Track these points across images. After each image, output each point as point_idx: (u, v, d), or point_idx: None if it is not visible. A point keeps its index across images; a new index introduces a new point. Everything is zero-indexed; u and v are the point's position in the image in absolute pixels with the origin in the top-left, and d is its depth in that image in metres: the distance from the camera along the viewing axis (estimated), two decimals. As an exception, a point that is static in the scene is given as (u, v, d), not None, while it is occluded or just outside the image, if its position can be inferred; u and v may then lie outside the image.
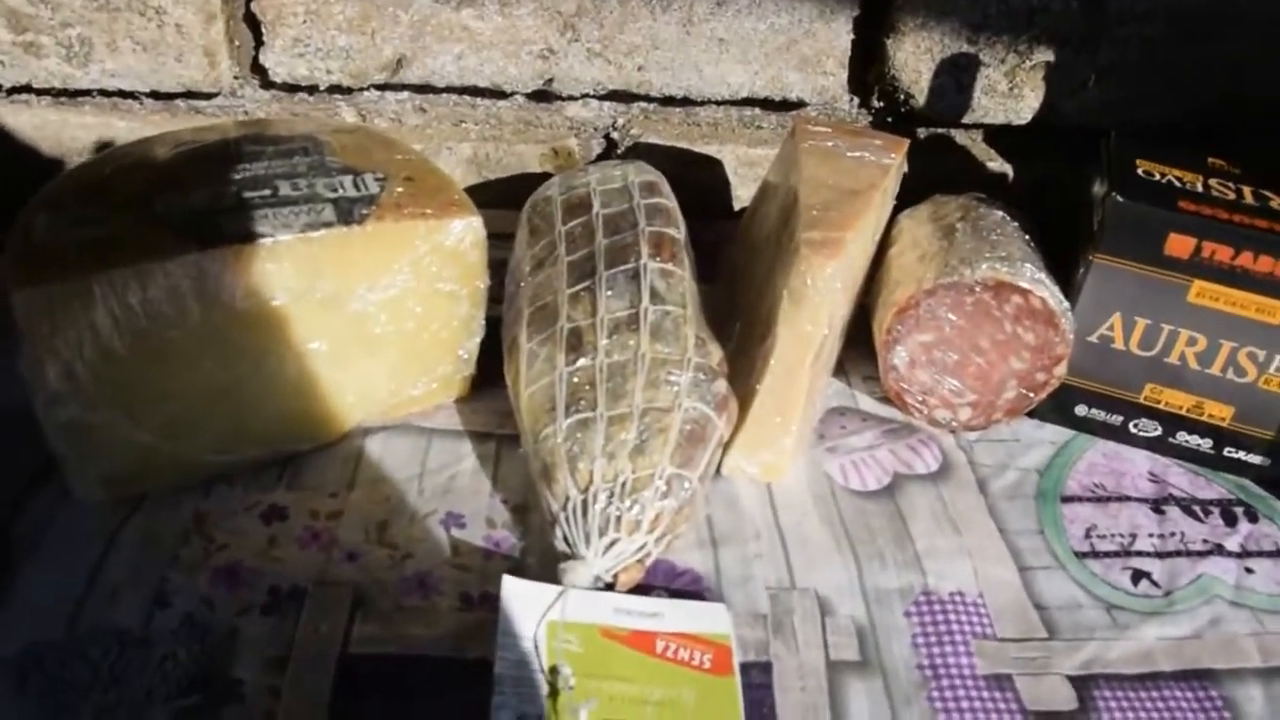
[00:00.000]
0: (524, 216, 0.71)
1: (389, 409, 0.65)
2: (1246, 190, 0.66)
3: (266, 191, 0.59)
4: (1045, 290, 0.64)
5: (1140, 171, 0.67)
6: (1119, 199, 0.64)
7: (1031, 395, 0.68)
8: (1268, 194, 0.66)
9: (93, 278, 0.53)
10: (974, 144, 0.91)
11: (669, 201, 0.69)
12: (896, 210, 0.77)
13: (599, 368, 0.59)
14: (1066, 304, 0.65)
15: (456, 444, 0.65)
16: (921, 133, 0.90)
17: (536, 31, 0.80)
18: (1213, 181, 0.67)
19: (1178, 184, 0.66)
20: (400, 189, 0.61)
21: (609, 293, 0.62)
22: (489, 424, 0.66)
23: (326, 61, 0.80)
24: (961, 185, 0.84)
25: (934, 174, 0.87)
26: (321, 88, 0.82)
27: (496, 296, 0.68)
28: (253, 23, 0.79)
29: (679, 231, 0.67)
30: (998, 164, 0.90)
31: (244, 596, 0.54)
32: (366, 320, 0.60)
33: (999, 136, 0.90)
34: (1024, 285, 0.64)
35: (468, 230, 0.61)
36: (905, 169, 0.81)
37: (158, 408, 0.57)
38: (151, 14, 0.77)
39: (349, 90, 0.83)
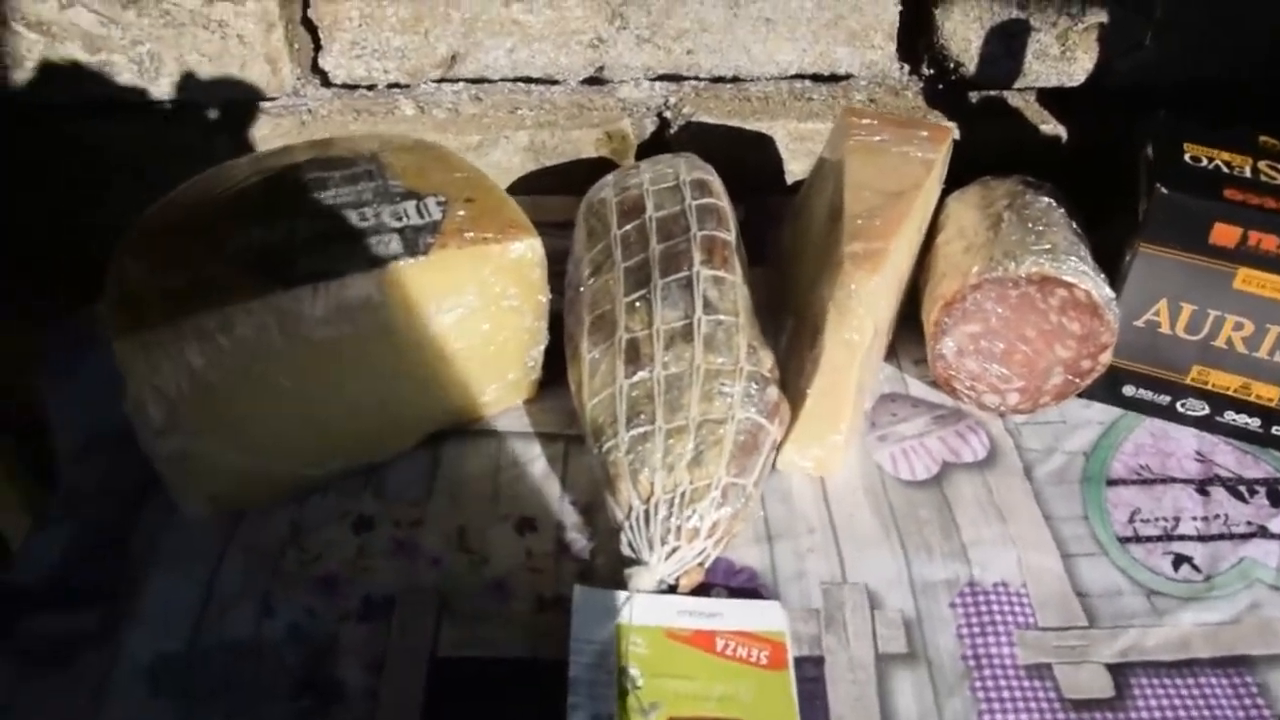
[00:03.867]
0: (580, 218, 0.74)
1: (462, 415, 0.69)
2: (1297, 173, 0.66)
3: (336, 224, 0.62)
4: (1089, 282, 0.66)
5: (1188, 157, 0.67)
6: (1163, 190, 0.65)
7: (1077, 381, 0.69)
8: (1319, 176, 0.66)
9: (183, 322, 0.57)
10: (1027, 105, 0.90)
11: (720, 200, 0.71)
12: (949, 184, 0.78)
13: (657, 380, 0.62)
14: (1111, 294, 0.67)
15: (526, 446, 0.69)
16: (973, 96, 0.90)
17: (585, 21, 0.81)
18: (1262, 165, 0.67)
19: (1225, 169, 0.66)
20: (462, 212, 0.64)
21: (664, 302, 0.65)
22: (557, 424, 0.70)
23: (383, 61, 0.82)
24: (1015, 148, 0.85)
25: (987, 138, 0.88)
26: (380, 85, 0.85)
27: (559, 288, 0.71)
28: (311, 27, 0.81)
29: (730, 233, 0.69)
30: (1051, 126, 0.89)
31: (341, 605, 0.60)
32: (437, 339, 0.64)
33: (1053, 97, 0.90)
34: (1068, 279, 0.65)
35: (528, 250, 0.64)
36: (956, 141, 0.82)
37: (251, 431, 0.62)
38: (215, 27, 0.79)
39: (406, 86, 0.85)
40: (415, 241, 0.62)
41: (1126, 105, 0.86)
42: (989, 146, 0.87)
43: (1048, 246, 0.67)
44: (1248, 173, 0.66)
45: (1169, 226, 0.66)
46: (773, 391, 0.63)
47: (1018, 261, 0.66)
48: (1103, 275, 0.68)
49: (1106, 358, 0.68)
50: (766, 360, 0.64)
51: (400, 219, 0.63)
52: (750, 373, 0.62)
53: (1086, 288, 0.66)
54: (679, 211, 0.69)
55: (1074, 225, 0.71)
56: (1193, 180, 0.66)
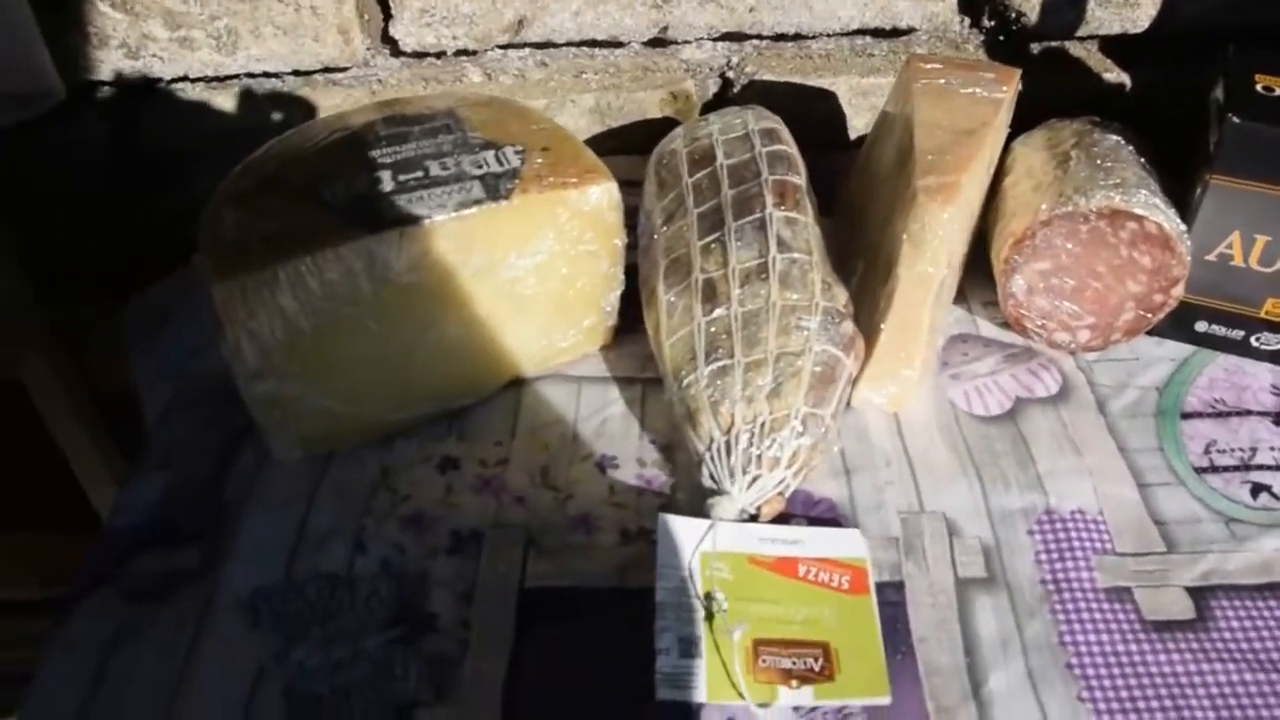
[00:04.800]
0: (651, 169, 0.75)
1: (541, 361, 0.71)
2: (1370, 99, 0.66)
3: (419, 173, 0.64)
4: (1160, 215, 0.66)
5: (1259, 87, 0.67)
6: (1235, 120, 0.65)
7: (1149, 316, 0.70)
8: (1392, 102, 0.66)
9: (278, 267, 0.59)
10: (1090, 55, 0.90)
11: (789, 148, 0.72)
12: (1012, 135, 0.78)
13: (734, 317, 0.63)
14: (1183, 227, 0.67)
15: (604, 390, 0.71)
16: (1035, 48, 0.90)
17: (649, -18, 0.83)
18: (1335, 93, 0.67)
19: (1298, 98, 0.66)
20: (540, 160, 0.66)
21: (738, 243, 0.66)
22: (633, 369, 0.72)
23: (452, 28, 0.84)
24: (1078, 98, 0.85)
25: (1049, 89, 0.87)
26: (449, 53, 0.87)
27: (632, 241, 0.73)
28: (381, -3, 0.84)
29: (800, 177, 0.70)
30: (1114, 75, 0.89)
31: (430, 541, 0.61)
32: (518, 283, 0.66)
33: (1115, 45, 0.90)
34: (1139, 212, 0.66)
35: (605, 195, 0.65)
36: (1020, 88, 0.82)
37: (340, 376, 0.64)
38: (289, 0, 0.82)
39: (474, 52, 0.87)
40: (496, 187, 0.64)
41: (1191, 51, 0.86)
42: (1052, 98, 0.87)
43: (1117, 181, 0.67)
44: (1320, 101, 0.66)
45: (1241, 157, 0.66)
46: (848, 326, 0.64)
47: (1088, 196, 0.67)
48: (1173, 209, 0.68)
49: (1178, 291, 0.68)
50: (841, 296, 0.65)
51: (480, 167, 0.65)
52: (826, 308, 0.63)
53: (1158, 220, 0.66)
54: (749, 158, 0.71)
55: (1143, 161, 0.71)
56: (1265, 109, 0.66)
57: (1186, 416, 0.69)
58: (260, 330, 0.60)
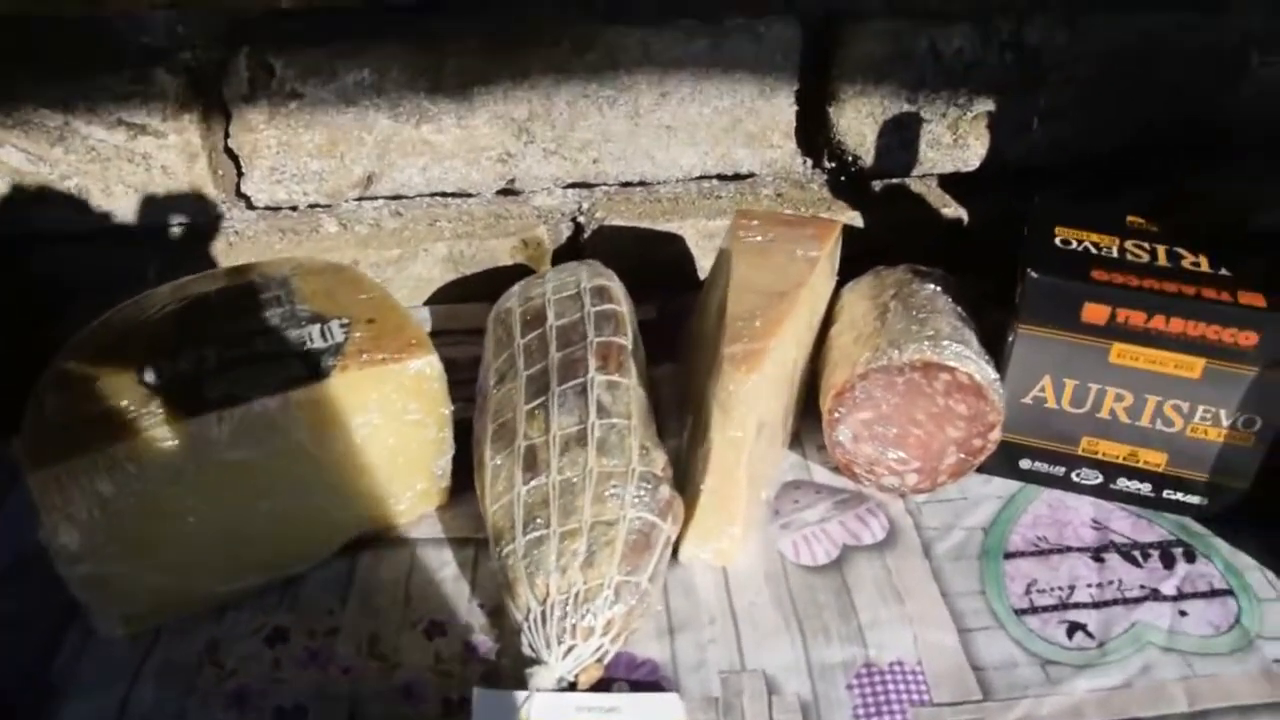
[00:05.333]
0: (490, 326, 0.77)
1: (376, 524, 0.71)
2: (1161, 250, 0.70)
3: (244, 350, 0.65)
4: (972, 365, 0.69)
5: (1058, 241, 0.71)
6: (1034, 275, 0.68)
7: (971, 459, 0.72)
8: (1181, 252, 0.69)
9: (95, 455, 0.60)
10: (929, 190, 0.94)
11: (620, 306, 0.74)
12: (861, 266, 0.81)
13: (552, 485, 0.64)
14: (994, 375, 0.69)
15: (438, 552, 0.71)
16: (877, 185, 0.94)
17: (493, 138, 0.85)
18: (1129, 244, 0.70)
19: (1094, 250, 0.70)
20: (361, 334, 0.67)
21: (560, 409, 0.67)
22: (467, 529, 0.72)
23: (302, 185, 0.86)
24: (920, 231, 0.89)
25: (893, 223, 0.92)
26: (302, 206, 0.88)
27: (470, 396, 0.74)
28: (234, 154, 0.85)
29: (626, 338, 0.72)
30: (953, 209, 0.93)
31: (253, 718, 0.61)
32: (345, 455, 0.67)
33: (952, 181, 0.94)
34: (950, 363, 0.68)
35: (425, 367, 0.67)
36: (860, 222, 0.85)
37: (166, 553, 0.64)
38: (139, 160, 0.83)
39: (328, 205, 0.89)
40: (318, 365, 0.65)
41: (1024, 184, 0.90)
42: (896, 231, 0.91)
43: (931, 333, 0.70)
44: (1114, 253, 0.69)
45: (1043, 308, 0.69)
46: (664, 490, 0.65)
47: (901, 349, 0.69)
48: (987, 357, 0.70)
49: (996, 435, 0.71)
50: (659, 460, 0.67)
51: (305, 343, 0.66)
52: (642, 473, 0.65)
53: (969, 370, 0.68)
54: (579, 319, 0.72)
55: (960, 310, 0.74)
56: (1062, 263, 0.69)
57: (1010, 556, 0.71)
58: (79, 515, 0.60)
